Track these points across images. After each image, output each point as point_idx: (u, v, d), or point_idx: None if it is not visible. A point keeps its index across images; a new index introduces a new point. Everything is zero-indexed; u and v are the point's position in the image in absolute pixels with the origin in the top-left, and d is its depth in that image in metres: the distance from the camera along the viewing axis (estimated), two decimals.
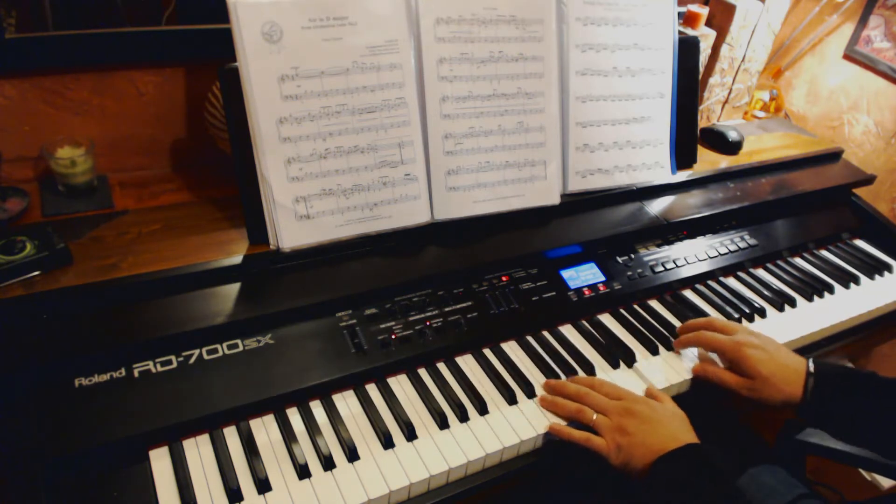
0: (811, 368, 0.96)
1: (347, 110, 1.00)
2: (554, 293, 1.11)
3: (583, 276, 1.16)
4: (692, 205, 1.31)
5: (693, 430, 0.88)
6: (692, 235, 1.31)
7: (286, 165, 0.97)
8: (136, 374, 0.85)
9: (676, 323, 1.15)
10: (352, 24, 0.98)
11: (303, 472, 0.82)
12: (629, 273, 1.19)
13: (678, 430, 0.87)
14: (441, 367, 1.00)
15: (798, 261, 1.37)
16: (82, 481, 0.77)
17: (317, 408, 0.91)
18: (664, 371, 1.05)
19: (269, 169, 0.96)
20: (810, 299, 1.26)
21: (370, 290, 1.01)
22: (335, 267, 1.02)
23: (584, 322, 1.12)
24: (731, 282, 1.28)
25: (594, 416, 0.90)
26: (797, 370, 0.96)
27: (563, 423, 0.92)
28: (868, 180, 1.54)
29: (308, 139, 0.98)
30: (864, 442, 0.96)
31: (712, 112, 1.62)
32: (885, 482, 1.34)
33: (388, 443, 0.87)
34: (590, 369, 1.02)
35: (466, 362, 1.02)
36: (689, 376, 1.04)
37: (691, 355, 1.08)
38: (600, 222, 1.22)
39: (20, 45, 1.01)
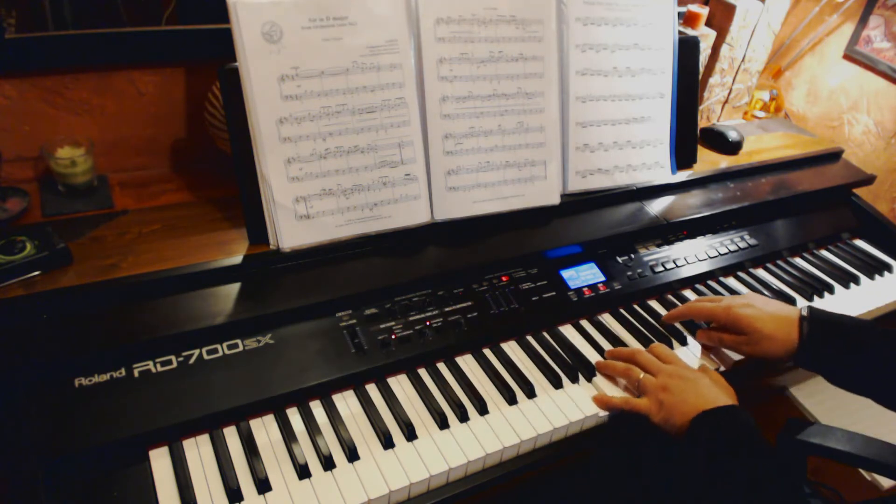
0: (804, 313, 0.99)
1: (347, 110, 1.00)
2: (554, 293, 1.11)
3: (583, 276, 1.16)
4: (692, 205, 1.31)
5: (734, 394, 0.92)
6: (692, 235, 1.31)
7: (286, 165, 0.97)
8: (136, 374, 0.85)
9: (676, 324, 1.14)
10: (352, 24, 0.98)
11: (303, 472, 0.82)
12: (629, 273, 1.19)
13: (720, 395, 0.90)
14: (441, 367, 1.00)
15: (798, 261, 1.37)
16: (82, 481, 0.77)
17: (317, 408, 0.91)
18: None
19: (269, 169, 0.96)
20: (810, 299, 1.25)
21: (370, 290, 1.01)
22: (335, 267, 1.02)
23: (585, 322, 1.12)
24: (731, 282, 1.28)
25: (641, 376, 0.95)
26: (790, 317, 0.99)
27: (612, 392, 0.97)
28: (868, 180, 1.54)
29: (308, 139, 0.98)
30: (859, 387, 0.97)
31: (712, 112, 1.62)
32: (885, 482, 1.34)
33: (388, 443, 0.87)
34: (590, 369, 1.02)
35: (466, 362, 1.02)
36: None
37: (690, 353, 1.08)
38: (600, 222, 1.22)
39: (20, 45, 1.01)
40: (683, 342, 1.10)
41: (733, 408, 0.88)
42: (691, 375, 0.93)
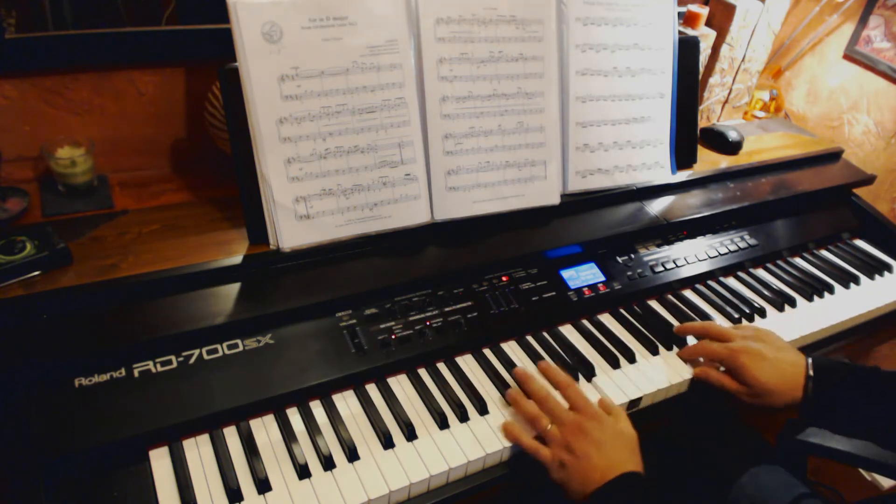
0: (810, 371, 0.95)
1: (347, 110, 1.00)
2: (554, 293, 1.11)
3: (583, 276, 1.16)
4: (692, 205, 1.31)
5: (639, 453, 0.87)
6: (692, 235, 1.31)
7: (286, 165, 0.97)
8: (136, 374, 0.85)
9: (676, 323, 1.15)
10: (352, 24, 0.98)
11: (303, 472, 0.82)
12: (629, 273, 1.19)
13: (622, 456, 0.85)
14: (441, 367, 1.00)
15: (798, 261, 1.37)
16: (82, 481, 0.77)
17: (317, 408, 0.91)
18: (664, 371, 1.05)
19: (269, 169, 0.96)
20: (810, 299, 1.26)
21: (370, 290, 1.01)
22: (335, 267, 1.02)
23: (584, 322, 1.12)
24: (731, 282, 1.28)
25: (548, 426, 0.88)
26: (796, 374, 0.96)
27: (519, 424, 0.91)
28: (868, 180, 1.54)
29: (308, 139, 0.98)
30: (866, 436, 0.96)
31: (712, 112, 1.62)
32: (886, 482, 1.34)
33: (388, 443, 0.87)
34: (590, 369, 1.02)
35: (466, 362, 1.02)
36: (688, 376, 1.04)
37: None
38: (600, 222, 1.22)
39: (20, 45, 1.01)
40: (683, 342, 1.10)
41: (627, 476, 0.82)
42: (596, 432, 0.86)
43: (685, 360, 1.06)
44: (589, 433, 0.86)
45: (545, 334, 1.08)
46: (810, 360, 0.97)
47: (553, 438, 0.87)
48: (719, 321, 1.16)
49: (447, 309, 1.03)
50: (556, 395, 0.94)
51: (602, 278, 1.16)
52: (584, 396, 0.92)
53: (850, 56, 1.68)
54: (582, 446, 0.85)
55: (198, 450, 0.83)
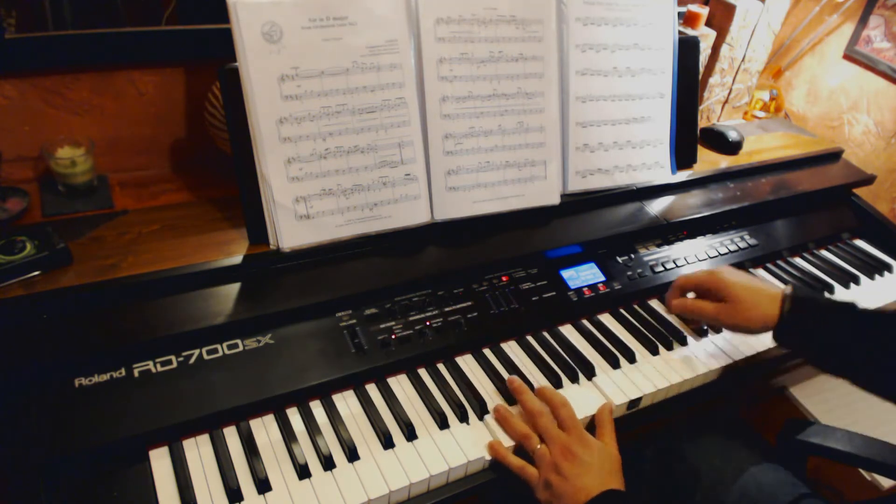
0: (787, 291, 0.99)
1: (347, 110, 1.00)
2: (554, 293, 1.11)
3: (583, 276, 1.16)
4: (692, 205, 1.31)
5: (622, 475, 0.88)
6: (692, 235, 1.31)
7: (286, 165, 0.97)
8: (136, 374, 0.85)
9: (677, 323, 1.15)
10: (352, 23, 0.98)
11: (303, 472, 0.82)
12: (629, 273, 1.19)
13: (606, 479, 0.85)
14: (441, 367, 1.00)
15: (798, 261, 1.37)
16: (82, 481, 0.77)
17: (317, 408, 0.91)
18: (664, 371, 1.05)
19: (269, 169, 0.96)
20: None
21: (370, 290, 1.01)
22: (335, 267, 1.02)
23: (585, 322, 1.12)
24: None
25: (538, 446, 0.88)
26: (773, 292, 0.99)
27: (506, 441, 0.90)
28: (868, 180, 1.54)
29: (308, 139, 0.98)
30: (838, 369, 0.97)
31: (712, 112, 1.62)
32: (885, 482, 1.34)
33: (388, 443, 0.87)
34: (590, 369, 1.02)
35: (466, 362, 1.02)
36: (689, 376, 1.04)
37: (692, 357, 1.08)
38: (600, 222, 1.22)
39: (20, 45, 1.01)
40: (683, 342, 1.10)
41: (615, 494, 0.84)
42: (584, 455, 0.86)
43: (671, 306, 1.10)
44: (577, 456, 0.86)
45: (545, 334, 1.08)
46: (788, 286, 1.01)
47: (542, 459, 0.87)
48: None
49: (447, 309, 1.03)
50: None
51: (602, 278, 1.16)
52: (576, 418, 0.92)
53: (850, 56, 1.68)
54: (570, 468, 0.85)
55: (198, 450, 0.83)
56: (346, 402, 0.92)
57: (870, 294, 1.30)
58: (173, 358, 0.88)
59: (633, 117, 1.24)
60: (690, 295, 1.09)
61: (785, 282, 1.29)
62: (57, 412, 0.80)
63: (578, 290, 1.13)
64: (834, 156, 1.58)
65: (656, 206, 1.28)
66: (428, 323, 1.01)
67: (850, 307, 0.98)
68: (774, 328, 0.98)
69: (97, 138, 1.13)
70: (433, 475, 0.85)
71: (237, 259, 0.98)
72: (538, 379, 1.00)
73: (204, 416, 0.84)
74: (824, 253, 1.42)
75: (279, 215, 0.98)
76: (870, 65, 1.64)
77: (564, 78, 1.17)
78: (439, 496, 0.86)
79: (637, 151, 1.26)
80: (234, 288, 0.96)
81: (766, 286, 1.01)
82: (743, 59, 1.55)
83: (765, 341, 1.14)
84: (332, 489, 0.81)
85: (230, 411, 0.85)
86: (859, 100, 1.69)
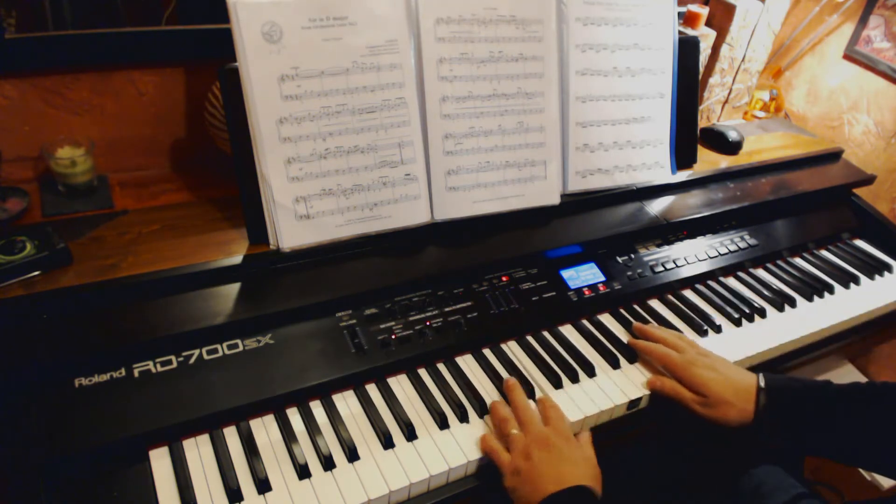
0: (762, 383, 0.96)
1: (347, 110, 1.00)
2: (554, 293, 1.11)
3: (583, 276, 1.16)
4: (692, 205, 1.31)
5: (600, 481, 0.85)
6: (692, 235, 1.31)
7: (286, 165, 0.97)
8: (136, 374, 0.85)
9: (677, 323, 1.15)
10: (352, 23, 0.98)
11: (303, 472, 0.82)
12: (629, 273, 1.19)
13: (581, 476, 0.83)
14: (441, 367, 1.00)
15: (798, 261, 1.37)
16: (82, 481, 0.77)
17: (317, 408, 0.91)
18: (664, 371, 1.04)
19: (269, 169, 0.96)
20: (810, 299, 1.26)
21: (370, 290, 1.01)
22: (335, 267, 1.02)
23: (585, 322, 1.12)
24: (732, 282, 1.28)
25: (514, 431, 0.87)
26: (748, 386, 0.96)
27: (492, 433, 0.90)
28: (868, 180, 1.54)
29: (308, 139, 0.98)
30: (819, 452, 0.96)
31: (712, 112, 1.62)
32: (885, 482, 1.34)
33: (388, 443, 0.87)
34: (590, 369, 1.02)
35: (466, 362, 1.02)
36: None
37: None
38: (600, 222, 1.22)
39: (20, 45, 1.01)
40: None
41: (582, 490, 0.81)
42: (563, 448, 0.85)
43: (639, 352, 1.06)
44: (552, 447, 0.85)
45: (545, 334, 1.08)
46: (761, 375, 0.97)
47: (516, 444, 0.86)
48: (719, 321, 1.16)
49: (447, 309, 1.03)
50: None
51: (602, 278, 1.16)
52: (564, 418, 0.92)
53: (850, 56, 1.68)
54: (543, 457, 0.83)
55: (198, 450, 0.83)
56: (346, 402, 0.92)
57: (870, 294, 1.30)
58: (173, 358, 0.88)
59: (633, 117, 1.24)
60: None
61: (785, 282, 1.29)
62: (57, 412, 0.80)
63: (578, 290, 1.13)
64: (834, 156, 1.58)
65: (656, 206, 1.28)
66: (428, 323, 1.01)
67: (824, 387, 0.96)
68: (753, 422, 0.94)
69: (97, 138, 1.13)
70: (433, 475, 0.85)
71: (237, 259, 0.98)
72: (538, 379, 1.00)
73: (204, 416, 0.84)
74: (824, 253, 1.42)
75: (279, 215, 0.98)
76: (870, 65, 1.64)
77: (564, 78, 1.17)
78: (439, 496, 0.86)
79: (637, 151, 1.26)
80: (234, 288, 0.96)
81: (741, 378, 0.97)
82: (743, 59, 1.55)
83: (765, 342, 1.14)
84: (332, 489, 0.81)
85: (230, 411, 0.85)
86: (859, 100, 1.69)
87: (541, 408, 0.93)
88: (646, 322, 1.13)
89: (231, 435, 0.86)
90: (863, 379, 1.51)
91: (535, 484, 0.81)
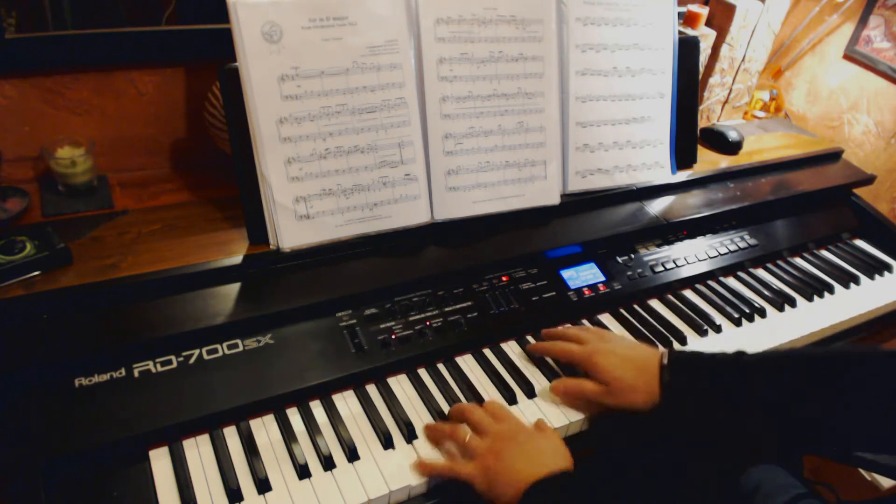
0: (664, 360, 0.91)
1: (347, 110, 1.00)
2: (554, 293, 1.11)
3: (583, 276, 1.16)
4: (692, 205, 1.31)
5: (572, 463, 0.83)
6: (692, 235, 1.31)
7: (286, 165, 0.97)
8: (136, 374, 0.85)
9: (676, 323, 1.15)
10: (352, 24, 0.98)
11: (303, 472, 0.82)
12: (629, 273, 1.19)
13: (555, 461, 0.81)
14: (441, 367, 1.00)
15: (798, 261, 1.37)
16: (82, 481, 0.77)
17: (317, 408, 0.91)
18: None
19: (269, 169, 0.96)
20: (810, 299, 1.26)
21: (370, 290, 1.01)
22: (335, 267, 1.02)
23: (584, 322, 1.12)
24: (732, 282, 1.28)
25: (467, 437, 0.84)
26: (651, 365, 0.91)
27: (435, 458, 0.86)
28: (868, 180, 1.54)
29: (308, 139, 0.98)
30: (735, 431, 0.88)
31: (712, 112, 1.62)
32: (886, 482, 1.34)
33: (388, 443, 0.87)
34: None
35: (466, 362, 1.02)
36: None
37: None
38: (600, 222, 1.22)
39: (20, 45, 1.01)
40: (683, 342, 1.10)
41: (566, 475, 0.79)
42: (524, 438, 0.83)
43: (535, 354, 1.03)
44: (515, 439, 0.82)
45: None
46: (664, 351, 0.93)
47: (476, 446, 0.83)
48: (719, 321, 1.16)
49: (447, 309, 1.03)
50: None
51: (602, 278, 1.17)
52: (507, 409, 0.90)
53: (850, 56, 1.68)
54: (508, 449, 0.80)
55: (198, 450, 0.83)
56: (346, 402, 0.92)
57: (870, 294, 1.30)
58: (173, 358, 0.88)
59: (633, 117, 1.24)
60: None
61: (785, 282, 1.29)
62: (57, 412, 0.80)
63: (578, 290, 1.13)
64: (834, 156, 1.58)
65: (656, 206, 1.28)
66: (428, 323, 1.01)
67: (735, 359, 0.89)
68: (659, 405, 0.89)
69: (97, 138, 1.13)
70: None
71: (237, 259, 0.98)
72: (538, 379, 1.00)
73: (204, 416, 0.84)
74: (824, 253, 1.42)
75: (279, 215, 0.98)
76: (870, 65, 1.64)
77: (564, 78, 1.17)
78: (439, 496, 0.85)
79: (637, 151, 1.26)
80: (234, 288, 0.96)
81: (644, 359, 0.92)
82: (743, 59, 1.55)
83: (765, 342, 1.14)
84: (332, 489, 0.81)
85: (230, 411, 0.85)
86: (859, 100, 1.69)
87: (488, 412, 0.89)
88: (645, 322, 1.13)
89: (231, 435, 0.86)
90: None
91: (512, 476, 0.78)
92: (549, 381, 0.99)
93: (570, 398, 0.96)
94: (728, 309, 1.19)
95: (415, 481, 0.83)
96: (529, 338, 1.07)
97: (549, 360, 1.03)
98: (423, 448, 0.88)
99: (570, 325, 1.09)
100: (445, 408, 0.93)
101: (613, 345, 0.97)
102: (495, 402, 0.92)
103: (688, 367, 0.90)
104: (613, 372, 0.91)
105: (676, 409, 0.89)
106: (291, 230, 0.99)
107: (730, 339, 1.13)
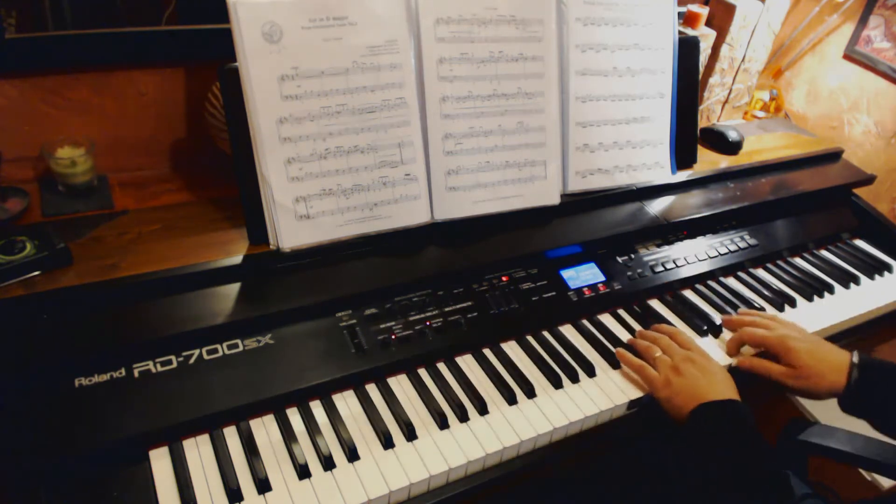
0: (855, 359, 0.99)
1: (347, 110, 1.00)
2: (554, 293, 1.11)
3: (583, 276, 1.16)
4: (692, 205, 1.31)
5: (739, 396, 0.94)
6: (692, 235, 1.31)
7: (286, 165, 0.97)
8: (136, 374, 0.85)
9: (676, 323, 1.15)
10: (352, 24, 0.98)
11: (303, 472, 0.82)
12: (629, 273, 1.19)
13: (727, 389, 0.93)
14: (441, 367, 1.00)
15: (798, 261, 1.37)
16: (82, 481, 0.77)
17: (317, 408, 0.91)
18: None
19: (269, 169, 0.96)
20: (810, 299, 1.26)
21: (370, 290, 1.01)
22: (335, 267, 1.02)
23: (585, 322, 1.12)
24: (731, 282, 1.28)
25: (657, 353, 1.01)
26: (841, 361, 0.99)
27: (619, 388, 1.00)
28: (868, 180, 1.54)
29: (308, 139, 0.98)
30: None
31: (712, 112, 1.62)
32: (886, 482, 1.34)
33: (388, 443, 0.87)
34: (590, 369, 1.02)
35: (466, 362, 1.02)
36: None
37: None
38: (600, 222, 1.22)
39: (20, 45, 1.01)
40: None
41: (737, 403, 0.91)
42: (706, 364, 0.97)
43: (728, 328, 1.13)
44: (697, 363, 0.97)
45: (545, 334, 1.08)
46: (855, 352, 1.00)
47: (662, 362, 0.99)
48: (719, 321, 1.15)
49: (447, 309, 1.03)
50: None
51: (602, 278, 1.16)
52: (692, 340, 1.04)
53: (850, 56, 1.68)
54: (690, 370, 0.96)
55: (198, 450, 0.83)
56: (346, 402, 0.92)
57: (870, 294, 1.30)
58: (173, 358, 0.88)
59: (633, 117, 1.24)
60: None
61: (785, 282, 1.29)
62: (57, 412, 0.80)
63: (578, 290, 1.13)
64: (834, 156, 1.58)
65: (656, 206, 1.28)
66: (428, 323, 1.01)
67: None
68: (842, 396, 0.98)
69: (97, 138, 1.13)
70: (433, 475, 0.85)
71: (237, 259, 0.98)
72: (538, 379, 1.00)
73: (204, 416, 0.84)
74: (824, 253, 1.42)
75: (279, 215, 0.98)
76: (870, 65, 1.64)
77: (564, 78, 1.17)
78: (439, 496, 0.86)
79: (637, 151, 1.26)
80: (234, 288, 0.96)
81: (833, 352, 1.01)
82: (743, 59, 1.55)
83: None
84: (332, 489, 0.81)
85: (230, 411, 0.85)
86: (859, 100, 1.69)
87: (676, 339, 1.04)
88: (645, 322, 1.13)
89: (231, 435, 0.86)
90: None
91: (692, 391, 0.93)
92: (550, 381, 1.00)
93: (749, 374, 1.05)
94: (728, 309, 1.19)
95: (414, 480, 0.83)
96: (529, 338, 1.07)
97: (549, 361, 1.03)
98: (424, 448, 0.88)
99: (744, 310, 1.18)
100: (446, 408, 0.93)
101: (801, 333, 1.06)
102: (682, 332, 1.06)
103: (878, 372, 0.99)
104: (805, 358, 1.00)
105: (855, 405, 0.98)
106: (291, 230, 0.99)
107: (730, 338, 1.13)
